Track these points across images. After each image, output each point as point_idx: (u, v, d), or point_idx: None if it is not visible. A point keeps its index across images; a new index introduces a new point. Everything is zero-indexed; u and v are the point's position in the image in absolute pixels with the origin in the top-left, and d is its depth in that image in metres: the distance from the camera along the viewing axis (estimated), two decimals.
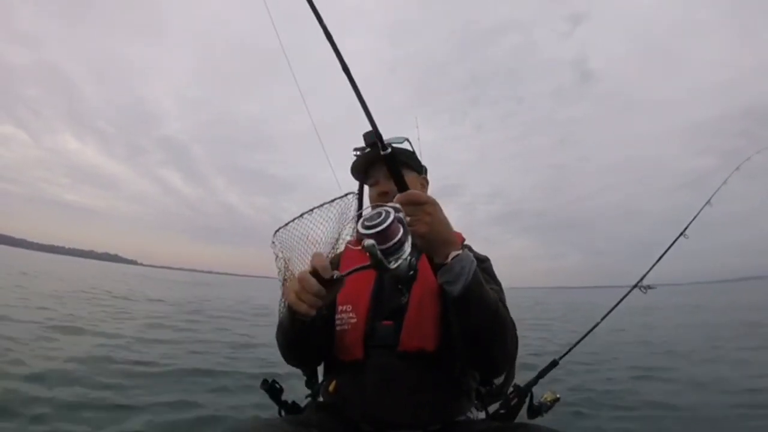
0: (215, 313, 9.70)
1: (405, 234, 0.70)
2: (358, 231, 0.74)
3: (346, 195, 1.48)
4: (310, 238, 1.48)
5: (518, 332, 0.90)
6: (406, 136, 1.09)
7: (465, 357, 0.88)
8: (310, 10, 0.78)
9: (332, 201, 1.49)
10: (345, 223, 1.48)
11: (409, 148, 1.12)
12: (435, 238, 0.75)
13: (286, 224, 1.50)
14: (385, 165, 0.99)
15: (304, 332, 0.85)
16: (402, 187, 0.78)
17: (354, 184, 1.37)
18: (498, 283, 0.98)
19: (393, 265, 0.68)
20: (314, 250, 1.49)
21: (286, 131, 49.41)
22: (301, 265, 1.49)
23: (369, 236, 0.67)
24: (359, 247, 0.67)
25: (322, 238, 1.49)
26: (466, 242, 1.07)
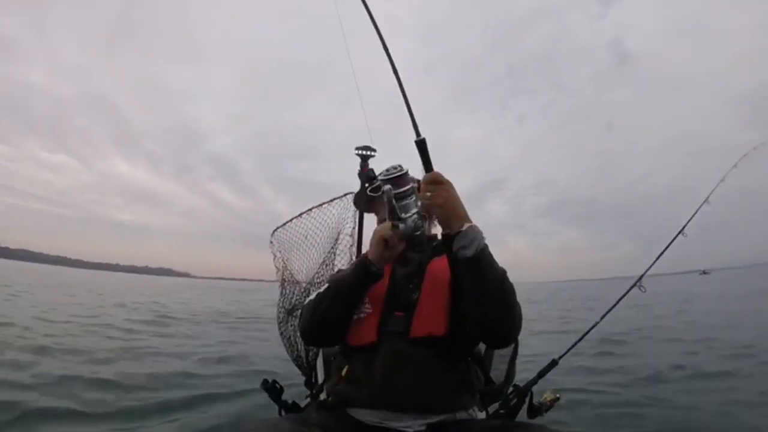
0: None
1: (413, 190, 0.90)
2: (378, 179, 0.94)
3: (345, 195, 1.48)
4: (308, 237, 1.48)
5: None
6: (399, 163, 1.16)
7: (477, 324, 0.93)
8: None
9: (331, 201, 1.49)
10: (344, 224, 1.48)
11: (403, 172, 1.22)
12: (450, 211, 0.88)
13: (284, 224, 1.50)
14: (380, 199, 1.15)
15: (363, 290, 1.00)
16: (428, 169, 0.91)
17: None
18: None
19: (403, 215, 0.90)
20: (313, 250, 1.49)
21: (328, 139, 48.73)
22: (300, 266, 1.49)
23: (385, 181, 0.90)
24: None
25: (320, 238, 1.49)
26: (487, 238, 1.10)
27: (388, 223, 0.95)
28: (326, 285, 1.05)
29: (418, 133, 0.90)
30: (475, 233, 0.87)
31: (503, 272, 0.91)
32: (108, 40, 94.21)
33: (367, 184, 1.19)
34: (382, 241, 0.95)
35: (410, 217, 0.91)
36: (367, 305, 1.02)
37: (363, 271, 0.98)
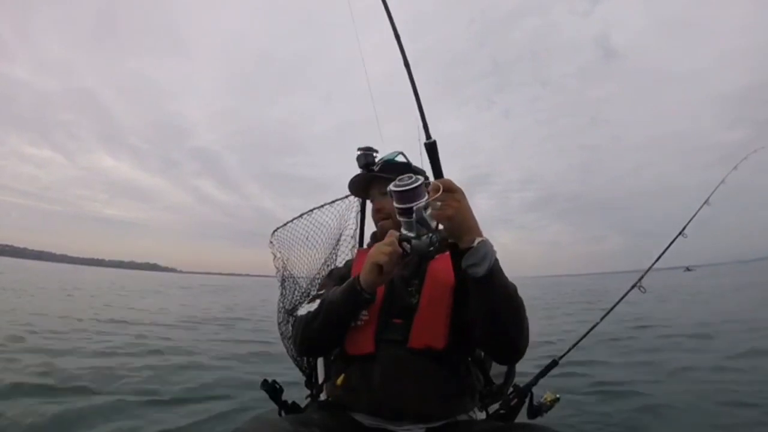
0: None
1: (428, 203, 0.79)
2: (388, 190, 0.82)
3: (347, 197, 1.47)
4: (309, 238, 1.48)
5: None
6: (400, 150, 1.16)
7: (485, 341, 0.92)
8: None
9: (333, 202, 1.49)
10: (345, 225, 1.48)
11: (404, 161, 1.18)
12: (461, 224, 0.81)
13: (285, 224, 1.50)
14: (376, 184, 1.15)
15: (357, 310, 0.96)
16: (438, 174, 0.86)
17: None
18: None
19: (416, 232, 0.81)
20: (314, 251, 1.49)
21: (311, 134, 49.26)
22: (300, 266, 1.49)
23: (396, 193, 0.79)
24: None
25: (322, 239, 1.48)
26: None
27: (384, 246, 0.87)
28: (317, 302, 1.01)
29: (428, 135, 0.84)
30: (487, 249, 0.81)
31: (513, 288, 0.87)
32: (91, 36, 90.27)
33: (364, 168, 1.14)
34: (376, 268, 0.88)
35: (425, 235, 0.81)
36: (364, 312, 0.99)
37: (353, 297, 0.93)
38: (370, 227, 1.29)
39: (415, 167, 1.17)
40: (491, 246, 0.82)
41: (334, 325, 0.97)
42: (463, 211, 0.80)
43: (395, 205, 0.81)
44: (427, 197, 0.79)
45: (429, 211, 0.80)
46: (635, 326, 6.34)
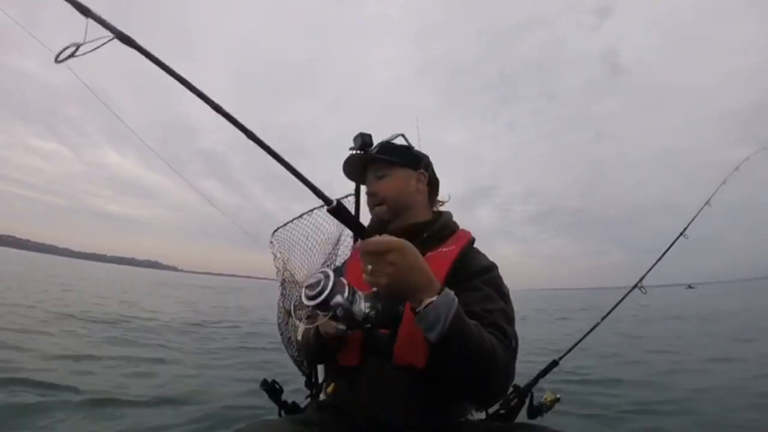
0: None
1: (351, 294, 0.71)
2: (306, 306, 0.75)
3: (347, 196, 1.47)
4: (309, 238, 1.48)
5: None
6: (401, 132, 1.09)
7: (453, 389, 0.87)
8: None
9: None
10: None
11: (404, 143, 1.11)
12: (400, 288, 0.71)
13: (285, 224, 1.50)
14: (372, 167, 1.07)
15: (331, 349, 0.97)
16: (360, 234, 0.73)
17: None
18: (503, 295, 0.94)
19: (349, 323, 0.74)
20: (314, 251, 1.49)
21: (316, 139, 48.39)
22: (300, 266, 1.49)
23: (313, 308, 0.70)
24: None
25: (322, 239, 1.48)
26: (475, 244, 1.06)
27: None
28: (303, 330, 1.03)
29: (326, 200, 0.68)
30: (438, 312, 0.70)
31: (477, 346, 0.74)
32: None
33: (360, 150, 1.04)
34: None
35: (363, 318, 0.72)
36: None
37: (322, 342, 0.93)
38: (367, 213, 1.26)
39: (417, 152, 1.11)
40: (446, 304, 0.71)
41: (320, 357, 1.05)
42: (400, 273, 0.69)
43: (319, 312, 0.71)
44: (348, 290, 0.70)
45: (356, 298, 0.71)
46: (636, 336, 6.42)
